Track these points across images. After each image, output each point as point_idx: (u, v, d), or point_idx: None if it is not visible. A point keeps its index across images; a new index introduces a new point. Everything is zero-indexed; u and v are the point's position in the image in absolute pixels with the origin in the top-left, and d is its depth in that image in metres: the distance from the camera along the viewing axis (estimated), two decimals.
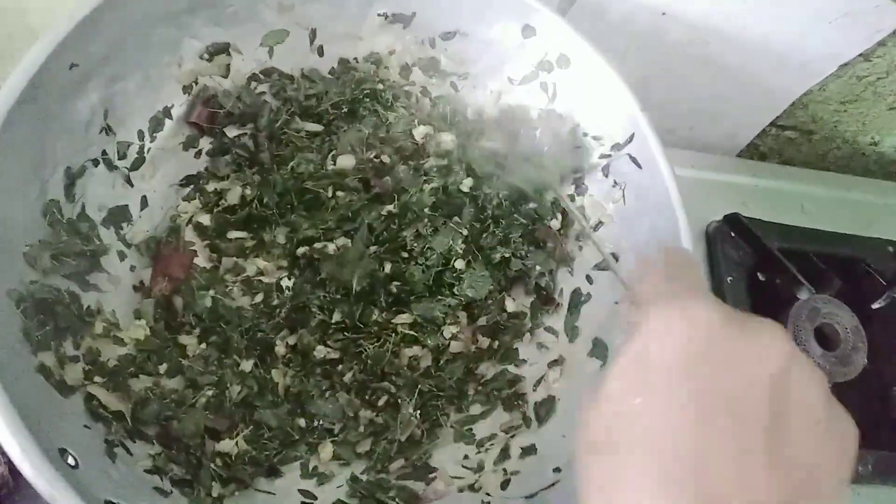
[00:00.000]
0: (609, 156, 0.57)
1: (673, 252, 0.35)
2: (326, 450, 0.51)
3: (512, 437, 0.54)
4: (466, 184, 0.58)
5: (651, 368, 0.27)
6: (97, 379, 0.44)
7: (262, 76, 0.58)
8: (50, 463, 0.35)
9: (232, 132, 0.57)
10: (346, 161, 0.56)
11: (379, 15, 0.57)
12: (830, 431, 0.26)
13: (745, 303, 0.69)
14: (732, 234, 0.73)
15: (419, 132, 0.59)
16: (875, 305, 0.75)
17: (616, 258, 0.57)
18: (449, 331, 0.56)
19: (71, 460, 0.38)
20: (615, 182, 0.57)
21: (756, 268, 0.72)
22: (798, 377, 0.26)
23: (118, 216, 0.51)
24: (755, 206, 0.76)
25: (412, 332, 0.55)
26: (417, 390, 0.53)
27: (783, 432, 0.25)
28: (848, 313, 0.69)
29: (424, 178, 0.57)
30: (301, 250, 0.55)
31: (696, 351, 0.26)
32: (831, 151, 0.89)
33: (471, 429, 0.55)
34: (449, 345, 0.56)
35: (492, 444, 0.53)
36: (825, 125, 0.84)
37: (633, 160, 0.55)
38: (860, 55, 0.70)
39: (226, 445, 0.48)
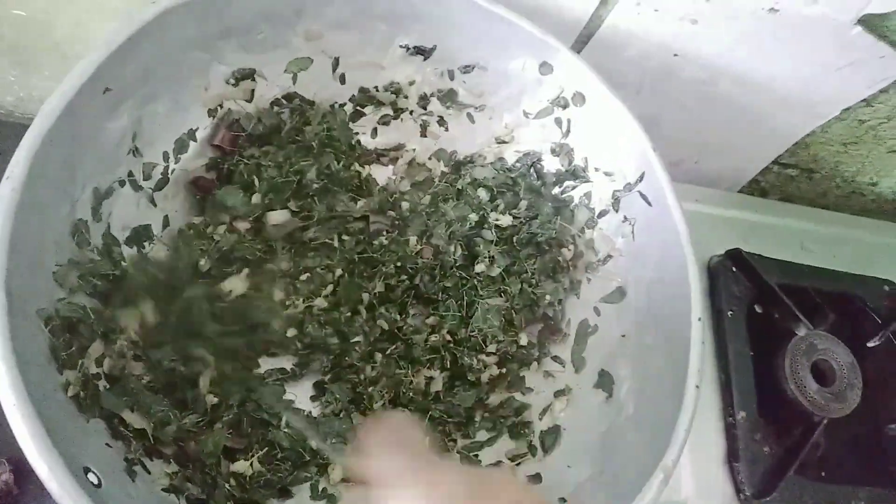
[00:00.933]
0: (620, 191, 0.58)
1: (388, 422, 0.40)
2: (336, 471, 0.52)
3: (517, 464, 0.55)
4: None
5: None
6: (120, 398, 0.45)
7: (283, 101, 0.59)
8: (76, 482, 0.36)
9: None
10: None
11: (401, 46, 0.59)
12: None
13: (745, 336, 0.70)
14: (734, 269, 0.74)
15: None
16: (871, 343, 0.77)
17: (623, 292, 0.58)
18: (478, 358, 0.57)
19: (94, 478, 0.39)
20: (625, 217, 0.58)
21: (756, 302, 0.74)
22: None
23: (141, 235, 0.52)
24: (756, 241, 0.77)
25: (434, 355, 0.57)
26: (428, 415, 0.54)
27: None
28: (844, 350, 0.71)
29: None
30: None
31: None
32: (831, 190, 0.91)
33: (477, 455, 0.56)
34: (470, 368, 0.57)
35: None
36: (826, 165, 0.86)
37: (644, 198, 0.56)
38: (863, 100, 0.72)
39: (241, 466, 0.48)
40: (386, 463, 0.35)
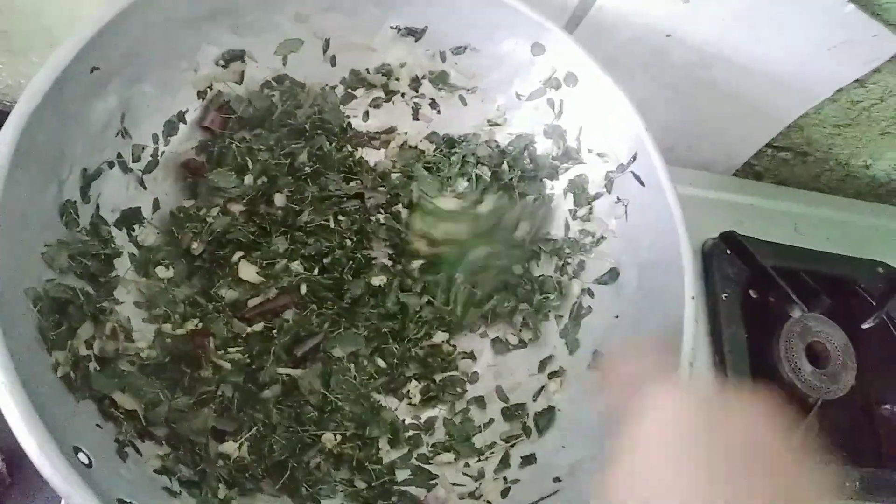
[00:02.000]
0: (613, 172, 0.58)
1: (652, 340, 0.42)
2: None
3: (512, 446, 0.55)
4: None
5: (665, 442, 0.31)
6: (110, 380, 0.45)
7: (274, 83, 0.59)
8: (66, 461, 0.36)
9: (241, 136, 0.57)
10: None
11: (392, 28, 0.58)
12: (805, 480, 0.31)
13: (739, 318, 0.70)
14: (728, 252, 0.74)
15: None
16: (865, 325, 0.77)
17: (617, 273, 0.58)
18: None
19: (84, 458, 0.38)
20: (618, 198, 0.58)
21: (750, 285, 0.74)
22: (778, 440, 0.31)
23: (130, 218, 0.52)
24: (750, 224, 0.78)
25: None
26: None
27: (773, 477, 0.30)
28: (838, 332, 0.71)
29: None
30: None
31: (699, 424, 0.31)
32: (825, 173, 0.91)
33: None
34: None
35: (492, 453, 0.54)
36: (819, 147, 0.86)
37: (637, 178, 0.56)
38: (856, 81, 0.72)
39: (228, 447, 0.48)
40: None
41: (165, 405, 0.46)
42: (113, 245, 0.50)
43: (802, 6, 0.61)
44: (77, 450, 0.38)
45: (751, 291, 0.74)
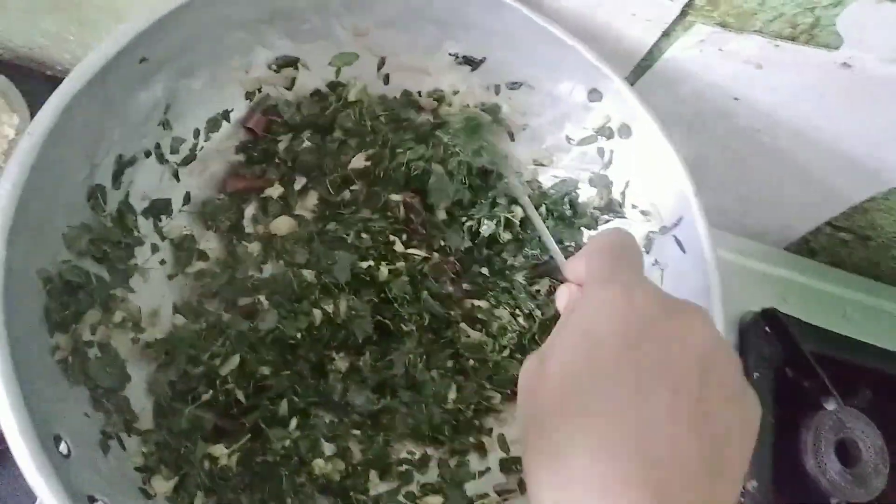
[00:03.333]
0: (655, 233, 0.56)
1: (616, 233, 0.38)
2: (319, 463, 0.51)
3: (504, 500, 0.52)
4: None
5: (595, 344, 0.29)
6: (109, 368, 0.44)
7: (328, 88, 0.58)
8: (42, 449, 0.35)
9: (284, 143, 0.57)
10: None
11: (450, 54, 0.57)
12: (742, 408, 0.29)
13: (769, 401, 0.66)
14: (767, 330, 0.70)
15: None
16: None
17: None
18: None
19: (64, 448, 0.38)
20: (656, 261, 0.56)
21: (785, 367, 0.69)
22: (720, 358, 0.29)
23: (160, 208, 0.52)
24: (795, 303, 0.73)
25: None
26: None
27: (707, 404, 0.27)
28: (874, 432, 0.66)
29: None
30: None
31: (635, 329, 0.29)
32: (885, 261, 0.85)
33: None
34: None
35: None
36: (883, 233, 0.81)
37: (679, 243, 0.53)
38: None
39: (217, 450, 0.47)
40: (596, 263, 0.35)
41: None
42: (137, 233, 0.50)
43: (884, 88, 0.57)
44: (58, 439, 0.38)
45: (787, 372, 0.70)
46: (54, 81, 0.44)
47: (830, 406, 0.66)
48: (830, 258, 0.86)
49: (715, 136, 0.68)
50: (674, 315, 0.30)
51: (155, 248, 0.51)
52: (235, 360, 0.50)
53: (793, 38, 0.56)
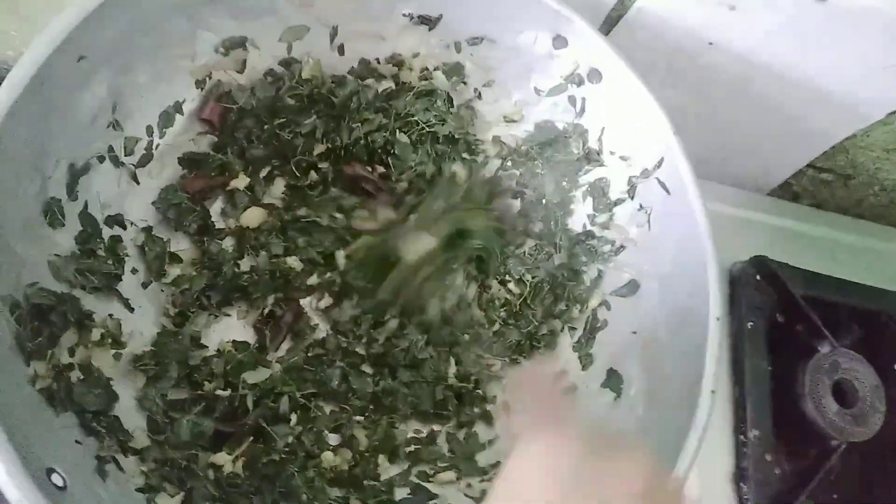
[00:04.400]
0: (637, 177, 0.54)
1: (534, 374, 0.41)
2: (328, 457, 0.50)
3: None
4: None
5: (526, 490, 0.30)
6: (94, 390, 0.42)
7: (280, 67, 0.55)
8: (36, 486, 0.33)
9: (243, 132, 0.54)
10: None
11: (404, 15, 0.55)
12: None
13: (764, 349, 0.66)
14: (757, 277, 0.69)
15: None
16: None
17: (637, 285, 0.54)
18: None
19: (59, 480, 0.36)
20: (641, 206, 0.55)
21: (778, 314, 0.68)
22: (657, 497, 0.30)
23: (122, 216, 0.49)
24: (783, 249, 0.72)
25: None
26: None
27: None
28: (869, 371, 0.66)
29: None
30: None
31: (566, 474, 0.30)
32: (867, 198, 0.84)
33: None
34: None
35: (496, 473, 0.51)
36: (864, 171, 0.79)
37: (662, 185, 0.52)
38: None
39: (221, 458, 0.46)
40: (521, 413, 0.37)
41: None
42: (103, 244, 0.47)
43: (860, 21, 0.55)
44: (51, 471, 0.36)
45: (779, 318, 0.69)
46: None
47: (825, 349, 0.66)
48: (813, 200, 0.85)
49: (691, 85, 0.66)
50: (606, 460, 0.30)
51: (121, 258, 0.48)
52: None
53: None
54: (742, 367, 0.63)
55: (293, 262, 0.54)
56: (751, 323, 0.66)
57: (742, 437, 0.62)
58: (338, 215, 0.56)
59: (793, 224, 0.77)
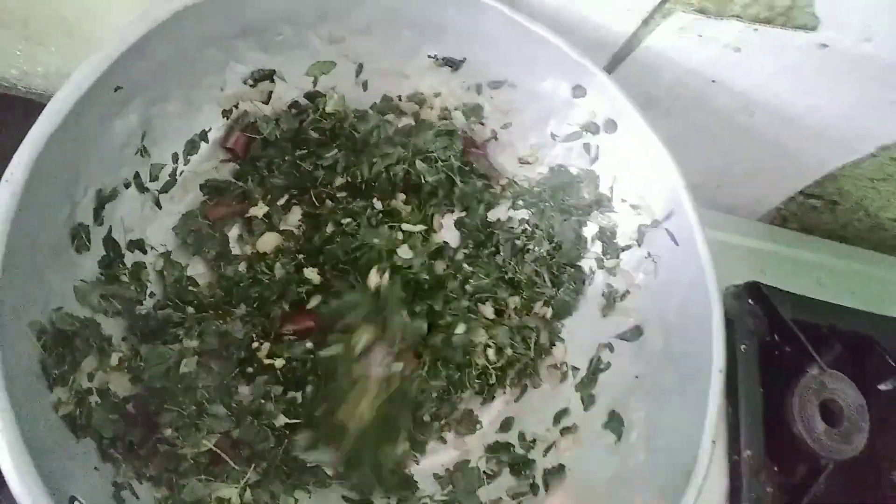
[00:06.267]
0: (646, 226, 0.56)
1: None
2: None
3: (518, 503, 0.53)
4: None
5: None
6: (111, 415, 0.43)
7: (305, 100, 0.56)
8: None
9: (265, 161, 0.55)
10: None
11: (429, 56, 0.56)
12: None
13: (756, 371, 0.68)
14: (750, 302, 0.72)
15: None
16: (882, 387, 0.75)
17: (641, 331, 0.56)
18: None
19: None
20: (648, 254, 0.56)
21: (769, 337, 0.71)
22: None
23: (143, 241, 0.50)
24: (773, 273, 0.75)
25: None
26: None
27: None
28: (854, 391, 0.69)
29: None
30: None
31: None
32: (852, 223, 0.88)
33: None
34: None
35: None
36: (851, 198, 0.83)
37: (671, 236, 0.54)
38: None
39: (226, 492, 0.46)
40: None
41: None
42: (126, 269, 0.48)
43: (857, 66, 0.58)
44: (73, 500, 0.37)
45: (770, 342, 0.71)
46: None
47: (813, 370, 0.68)
48: (801, 224, 0.88)
49: (692, 119, 0.68)
50: None
51: (143, 284, 0.49)
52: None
53: (769, 21, 0.56)
54: (736, 389, 0.65)
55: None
56: (744, 346, 0.68)
57: (736, 456, 0.63)
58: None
59: (782, 249, 0.80)
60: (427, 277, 0.55)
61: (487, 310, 0.59)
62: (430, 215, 0.59)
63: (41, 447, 0.36)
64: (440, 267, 0.58)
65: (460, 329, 0.56)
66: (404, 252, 0.55)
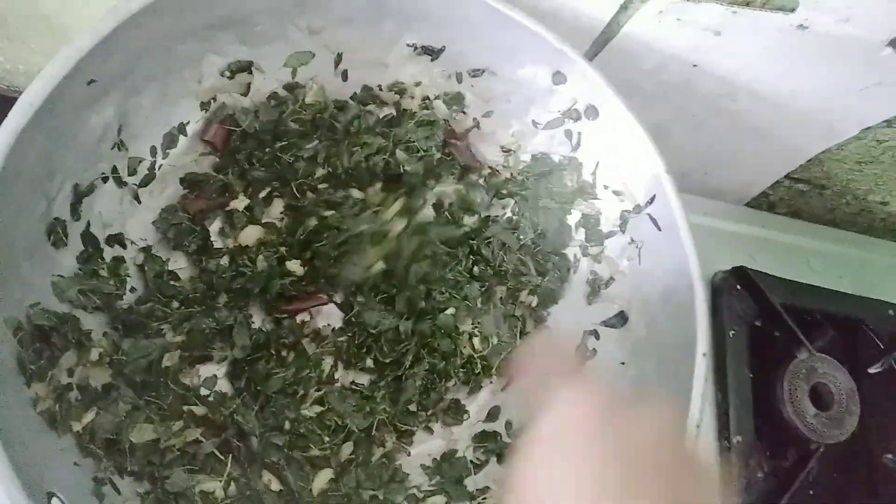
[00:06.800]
0: (629, 212, 0.56)
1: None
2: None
3: None
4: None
5: (565, 439, 0.31)
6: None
7: (284, 91, 0.56)
8: None
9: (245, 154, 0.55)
10: None
11: (408, 45, 0.55)
12: (700, 478, 0.32)
13: (745, 356, 0.68)
14: (738, 287, 0.72)
15: None
16: (872, 370, 0.75)
17: (625, 317, 0.56)
18: None
19: None
20: (632, 240, 0.56)
21: (758, 322, 0.72)
22: (677, 440, 0.33)
23: (123, 235, 0.49)
24: (762, 258, 0.75)
25: None
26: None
27: (665, 479, 0.30)
28: (844, 375, 0.69)
29: None
30: None
31: (598, 423, 0.31)
32: (840, 207, 0.89)
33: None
34: None
35: (484, 499, 0.53)
36: (838, 181, 0.83)
37: (654, 222, 0.54)
38: (885, 121, 0.70)
39: (210, 485, 0.46)
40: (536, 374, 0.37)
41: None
42: (105, 264, 0.47)
43: (838, 47, 0.58)
44: (51, 496, 0.36)
45: (758, 326, 0.72)
46: None
47: (802, 355, 0.69)
48: (789, 209, 0.88)
49: (675, 104, 0.68)
50: (632, 407, 0.32)
51: (123, 278, 0.49)
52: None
53: (748, 3, 0.56)
54: (725, 375, 0.66)
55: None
56: (732, 331, 0.68)
57: (726, 442, 0.64)
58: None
59: (770, 234, 0.80)
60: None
61: (474, 289, 0.59)
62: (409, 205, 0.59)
63: (19, 444, 0.35)
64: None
65: (449, 311, 0.56)
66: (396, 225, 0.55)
